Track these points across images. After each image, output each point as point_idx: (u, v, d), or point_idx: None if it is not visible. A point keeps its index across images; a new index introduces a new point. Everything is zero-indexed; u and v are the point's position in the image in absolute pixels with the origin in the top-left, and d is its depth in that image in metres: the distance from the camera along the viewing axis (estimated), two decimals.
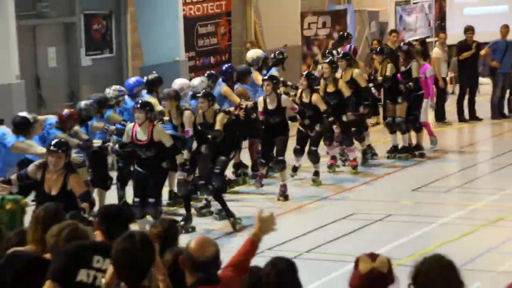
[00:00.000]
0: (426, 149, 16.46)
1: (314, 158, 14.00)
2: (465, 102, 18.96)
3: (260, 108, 13.59)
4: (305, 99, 13.94)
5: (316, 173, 14.16)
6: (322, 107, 13.82)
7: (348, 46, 16.49)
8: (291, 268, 5.39)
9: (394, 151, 15.54)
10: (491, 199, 13.47)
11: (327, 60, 14.82)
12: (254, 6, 20.63)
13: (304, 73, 14.67)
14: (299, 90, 14.27)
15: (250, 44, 18.82)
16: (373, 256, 5.02)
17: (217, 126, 12.46)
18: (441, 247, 10.63)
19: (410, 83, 15.42)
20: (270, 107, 13.34)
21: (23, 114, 11.79)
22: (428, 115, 17.06)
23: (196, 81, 14.01)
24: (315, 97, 13.85)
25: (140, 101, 11.52)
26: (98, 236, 5.76)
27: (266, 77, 13.69)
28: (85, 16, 16.79)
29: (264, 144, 13.83)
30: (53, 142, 9.92)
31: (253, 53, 16.00)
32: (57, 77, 16.74)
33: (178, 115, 12.04)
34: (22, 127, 11.49)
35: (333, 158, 14.88)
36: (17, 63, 14.59)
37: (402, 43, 17.01)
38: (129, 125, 11.61)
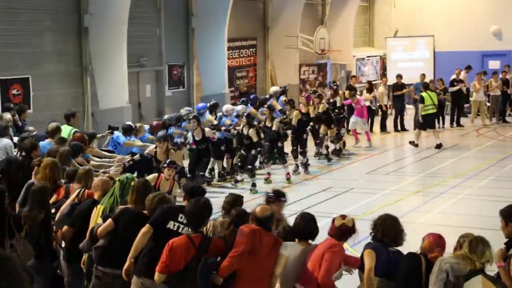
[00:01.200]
0: (363, 148, 19.84)
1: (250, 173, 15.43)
2: (398, 120, 23.53)
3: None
4: (245, 131, 15.66)
5: (253, 184, 15.39)
6: (255, 138, 15.53)
7: (306, 95, 18.64)
8: (313, 219, 6.48)
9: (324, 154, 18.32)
10: (414, 178, 16.52)
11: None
12: (271, 61, 25.37)
13: (245, 114, 15.96)
14: (241, 125, 15.84)
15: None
16: (343, 216, 6.40)
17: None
18: (384, 208, 12.79)
19: (336, 111, 18.58)
20: (196, 138, 15.07)
21: (128, 122, 14.89)
22: (367, 127, 20.72)
23: (239, 106, 17.19)
24: (251, 131, 15.49)
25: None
26: (184, 202, 7.13)
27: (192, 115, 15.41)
28: (168, 66, 21.12)
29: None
30: (158, 136, 12.95)
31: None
32: (151, 103, 20.80)
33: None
34: (128, 130, 14.35)
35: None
36: (127, 94, 18.35)
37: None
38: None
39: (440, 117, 24.02)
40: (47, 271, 7.85)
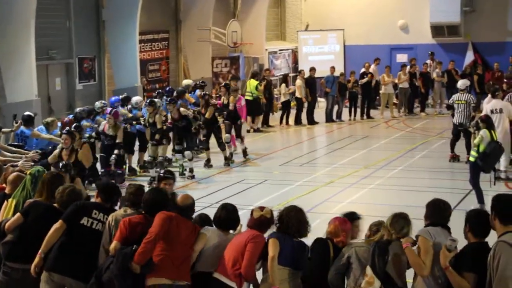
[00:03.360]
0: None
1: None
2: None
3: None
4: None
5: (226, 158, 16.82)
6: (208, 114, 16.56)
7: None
8: (235, 209, 6.79)
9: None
10: (326, 170, 16.73)
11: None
12: (184, 54, 25.41)
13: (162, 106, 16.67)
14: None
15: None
16: (261, 208, 6.64)
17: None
18: (298, 199, 13.31)
19: (224, 112, 17.68)
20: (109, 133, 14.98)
21: (27, 112, 14.00)
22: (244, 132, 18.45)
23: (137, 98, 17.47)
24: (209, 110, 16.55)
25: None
26: (97, 199, 7.09)
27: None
28: (78, 59, 21.01)
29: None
30: (64, 131, 12.71)
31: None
32: (61, 96, 20.68)
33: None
34: (29, 120, 13.75)
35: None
36: (36, 87, 18.01)
37: (224, 83, 19.23)
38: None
39: (352, 109, 24.69)
40: None
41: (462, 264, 5.81)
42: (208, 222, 6.98)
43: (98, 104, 16.25)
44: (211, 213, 7.08)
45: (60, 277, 6.65)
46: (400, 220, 6.17)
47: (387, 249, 6.06)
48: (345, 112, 24.92)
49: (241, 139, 17.72)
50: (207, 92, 17.94)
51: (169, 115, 16.13)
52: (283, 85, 23.41)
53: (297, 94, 23.46)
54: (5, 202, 7.31)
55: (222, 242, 6.57)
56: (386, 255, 6.03)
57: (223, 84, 19.28)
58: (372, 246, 6.15)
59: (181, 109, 16.30)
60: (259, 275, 6.62)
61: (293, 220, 6.41)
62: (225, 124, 17.85)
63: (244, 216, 6.87)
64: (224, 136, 17.28)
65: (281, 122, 23.77)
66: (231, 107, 17.69)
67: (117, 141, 14.75)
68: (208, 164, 17.01)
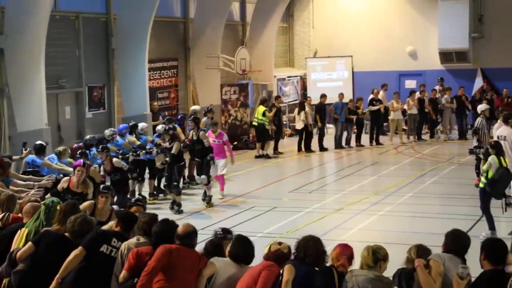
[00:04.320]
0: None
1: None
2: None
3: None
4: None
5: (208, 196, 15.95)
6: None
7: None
8: (250, 242, 6.80)
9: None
10: (336, 196, 16.66)
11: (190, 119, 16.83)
12: (193, 81, 25.43)
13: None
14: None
15: (157, 107, 21.96)
16: (280, 243, 6.70)
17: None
18: (307, 226, 13.31)
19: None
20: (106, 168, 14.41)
21: (39, 142, 13.88)
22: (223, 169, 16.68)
23: (159, 126, 17.62)
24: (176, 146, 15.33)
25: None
26: (116, 228, 7.26)
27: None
28: (88, 87, 20.90)
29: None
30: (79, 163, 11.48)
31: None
32: (71, 125, 20.56)
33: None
34: (41, 150, 13.66)
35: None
36: (46, 116, 17.99)
37: (192, 116, 17.27)
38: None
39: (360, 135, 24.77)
40: None
41: None
42: (220, 249, 6.95)
43: (107, 132, 16.35)
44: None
45: None
46: (425, 251, 6.42)
47: (413, 275, 6.26)
48: (354, 138, 24.99)
49: (208, 180, 15.77)
50: (171, 126, 16.51)
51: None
52: (302, 112, 23.36)
53: (306, 122, 23.50)
54: (18, 231, 7.32)
55: (237, 273, 6.59)
56: (411, 280, 6.23)
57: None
58: (398, 271, 6.37)
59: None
60: None
61: (311, 249, 6.47)
62: (195, 163, 16.60)
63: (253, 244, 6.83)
64: (201, 177, 15.81)
65: (299, 149, 23.78)
66: (206, 143, 15.97)
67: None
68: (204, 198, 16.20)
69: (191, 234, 6.73)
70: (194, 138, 16.06)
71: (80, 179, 10.94)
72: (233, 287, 6.51)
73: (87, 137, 16.04)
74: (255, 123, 22.56)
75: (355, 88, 29.14)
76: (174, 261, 6.48)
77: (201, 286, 6.60)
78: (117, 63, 21.94)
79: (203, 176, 15.72)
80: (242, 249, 6.70)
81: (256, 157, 22.56)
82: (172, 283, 6.46)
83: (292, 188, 17.79)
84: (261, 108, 22.57)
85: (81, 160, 11.53)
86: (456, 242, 6.47)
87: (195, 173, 17.01)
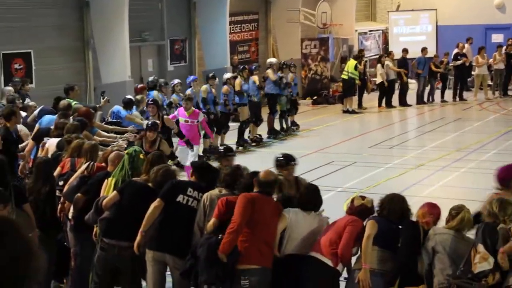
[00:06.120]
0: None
1: None
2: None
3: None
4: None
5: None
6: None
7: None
8: (318, 189, 6.95)
9: None
10: (416, 152, 16.63)
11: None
12: (273, 35, 25.57)
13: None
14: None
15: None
16: (363, 197, 6.76)
17: None
18: (386, 182, 13.39)
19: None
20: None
21: (129, 96, 14.60)
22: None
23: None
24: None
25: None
26: (191, 178, 7.35)
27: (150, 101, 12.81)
28: (170, 40, 21.28)
29: None
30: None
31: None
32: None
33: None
34: (129, 104, 14.10)
35: None
36: (129, 68, 18.43)
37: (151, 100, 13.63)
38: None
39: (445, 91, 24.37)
40: (53, 243, 7.94)
41: None
42: (290, 201, 6.94)
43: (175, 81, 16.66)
44: None
45: (161, 254, 6.87)
46: (508, 205, 6.22)
47: (497, 230, 6.10)
48: (437, 93, 24.48)
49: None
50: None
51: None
52: (379, 65, 23.16)
53: (389, 76, 23.23)
54: (106, 180, 7.51)
55: (311, 226, 6.61)
56: (496, 235, 6.07)
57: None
58: (481, 226, 6.20)
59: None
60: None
61: (396, 207, 6.45)
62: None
63: (332, 199, 7.02)
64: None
65: (379, 104, 23.57)
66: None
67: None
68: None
69: (272, 182, 6.71)
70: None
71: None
72: (315, 235, 6.57)
73: (150, 78, 16.32)
74: (344, 77, 22.43)
75: (438, 42, 28.53)
76: (257, 209, 6.49)
77: (275, 241, 6.65)
78: (199, 16, 22.13)
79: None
80: (310, 196, 6.74)
81: (344, 112, 22.45)
82: (255, 235, 6.50)
83: (373, 143, 17.75)
84: (352, 62, 22.40)
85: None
86: None
87: None
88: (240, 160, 9.34)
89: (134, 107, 14.38)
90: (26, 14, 17.01)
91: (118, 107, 14.15)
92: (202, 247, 6.50)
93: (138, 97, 14.87)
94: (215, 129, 16.51)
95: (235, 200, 6.62)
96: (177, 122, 13.50)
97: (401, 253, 6.33)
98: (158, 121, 11.50)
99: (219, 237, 6.45)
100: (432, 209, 6.47)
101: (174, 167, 7.85)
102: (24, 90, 14.77)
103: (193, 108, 14.07)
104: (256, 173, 6.93)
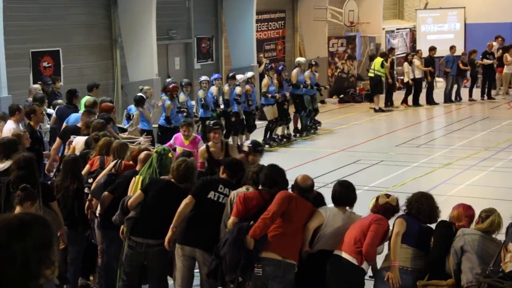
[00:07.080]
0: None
1: None
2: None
3: None
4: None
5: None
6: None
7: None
8: (352, 185, 6.87)
9: None
10: (444, 151, 16.56)
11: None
12: (299, 33, 25.49)
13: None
14: None
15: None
16: (387, 195, 6.69)
17: None
18: (413, 180, 13.31)
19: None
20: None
21: (140, 94, 14.16)
22: None
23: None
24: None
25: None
26: (222, 175, 7.26)
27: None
28: (197, 38, 21.34)
29: None
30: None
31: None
32: (180, 75, 20.23)
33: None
34: (140, 101, 13.86)
35: None
36: (157, 66, 18.43)
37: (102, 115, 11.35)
38: None
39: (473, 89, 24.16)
40: (81, 240, 8.01)
41: None
42: (321, 200, 6.94)
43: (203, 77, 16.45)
44: (325, 192, 7.07)
45: (191, 249, 6.92)
46: None
47: None
48: (464, 92, 24.27)
49: None
50: None
51: None
52: (406, 63, 23.02)
53: (416, 75, 23.08)
54: (133, 178, 7.53)
55: (346, 224, 6.61)
56: None
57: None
58: (510, 225, 6.06)
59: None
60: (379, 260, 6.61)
61: (424, 206, 6.42)
62: None
63: (358, 197, 6.83)
64: None
65: (403, 102, 23.44)
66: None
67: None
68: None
69: (311, 187, 6.76)
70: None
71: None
72: (342, 233, 6.56)
73: (167, 80, 15.80)
74: (371, 74, 22.37)
75: (467, 41, 28.32)
76: (292, 207, 6.53)
77: (307, 237, 6.66)
78: (226, 14, 22.12)
79: None
80: (344, 192, 6.73)
81: (376, 110, 22.30)
82: (286, 228, 6.51)
83: (400, 142, 17.67)
84: (379, 60, 22.31)
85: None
86: None
87: None
88: (266, 159, 9.38)
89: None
90: (54, 13, 17.17)
91: (130, 106, 14.20)
92: (232, 231, 6.52)
93: (145, 87, 14.72)
94: (237, 129, 16.59)
95: (253, 195, 6.66)
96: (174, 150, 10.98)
97: (434, 251, 6.30)
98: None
99: (251, 223, 6.49)
100: (467, 211, 6.43)
101: (192, 158, 7.65)
102: (56, 88, 14.91)
103: (194, 135, 11.33)
104: (263, 167, 7.02)
